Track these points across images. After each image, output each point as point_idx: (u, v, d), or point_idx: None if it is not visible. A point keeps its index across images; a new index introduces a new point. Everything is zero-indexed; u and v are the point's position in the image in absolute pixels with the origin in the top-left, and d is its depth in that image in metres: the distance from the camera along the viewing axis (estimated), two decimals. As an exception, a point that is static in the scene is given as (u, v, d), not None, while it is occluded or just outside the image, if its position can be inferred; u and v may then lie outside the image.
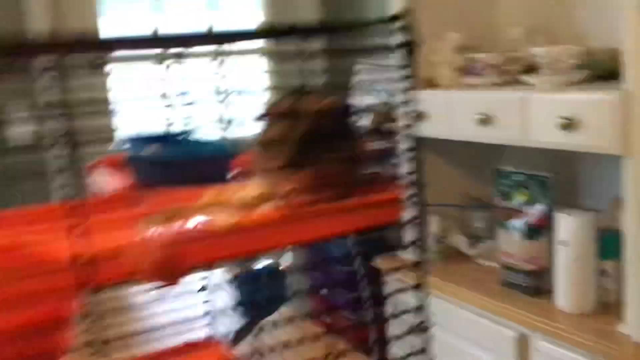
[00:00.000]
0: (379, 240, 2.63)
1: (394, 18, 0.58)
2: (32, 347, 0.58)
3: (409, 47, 0.60)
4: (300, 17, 3.48)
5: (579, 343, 1.62)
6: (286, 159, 0.68)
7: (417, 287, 0.72)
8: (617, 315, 1.62)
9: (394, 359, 0.72)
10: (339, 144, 0.70)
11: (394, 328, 0.76)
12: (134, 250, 0.51)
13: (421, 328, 0.72)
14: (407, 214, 0.72)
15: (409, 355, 0.72)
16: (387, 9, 2.29)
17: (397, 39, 1.78)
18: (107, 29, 3.12)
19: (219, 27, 0.65)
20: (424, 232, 0.69)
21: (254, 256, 0.74)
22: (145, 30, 0.60)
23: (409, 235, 2.08)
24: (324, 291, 2.02)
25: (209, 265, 0.61)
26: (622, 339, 1.57)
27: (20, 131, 2.28)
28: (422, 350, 0.73)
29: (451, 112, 1.99)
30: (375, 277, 2.42)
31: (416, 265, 0.71)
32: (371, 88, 2.19)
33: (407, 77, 0.62)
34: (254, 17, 3.48)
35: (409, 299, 0.74)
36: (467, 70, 2.13)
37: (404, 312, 0.74)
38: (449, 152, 2.28)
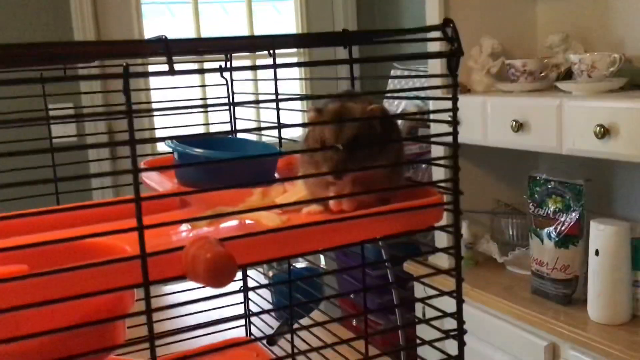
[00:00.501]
0: (409, 244, 2.63)
1: (444, 25, 0.59)
2: (85, 340, 0.59)
3: (456, 54, 0.61)
4: (337, 28, 3.50)
5: (610, 354, 1.60)
6: (333, 163, 0.68)
7: (454, 292, 0.72)
8: (651, 327, 1.61)
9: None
10: (384, 148, 0.71)
11: (424, 333, 0.77)
12: (186, 250, 0.52)
13: (456, 334, 0.73)
14: (444, 220, 0.72)
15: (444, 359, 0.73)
16: (422, 19, 2.29)
17: (435, 45, 1.77)
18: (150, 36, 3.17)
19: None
20: (460, 239, 0.69)
21: (296, 257, 0.75)
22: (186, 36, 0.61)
23: (440, 240, 2.07)
24: (354, 295, 2.03)
25: (247, 266, 0.62)
26: (655, 351, 1.55)
27: (65, 131, 2.35)
28: (457, 357, 0.73)
29: (486, 118, 1.98)
30: (405, 281, 2.42)
31: (453, 271, 0.71)
32: (405, 94, 2.19)
33: (453, 85, 0.63)
34: (291, 28, 3.50)
35: (440, 305, 0.75)
36: (502, 76, 2.12)
37: (439, 317, 0.74)
38: (481, 158, 2.27)
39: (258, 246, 0.58)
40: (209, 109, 1.00)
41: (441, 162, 0.69)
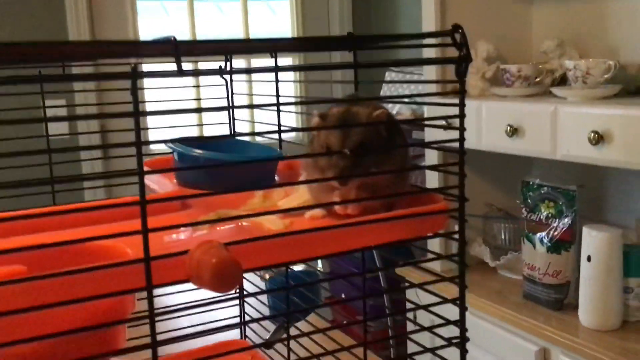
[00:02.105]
0: (400, 248, 2.63)
1: (453, 30, 0.59)
2: (85, 344, 0.59)
3: (465, 60, 0.60)
4: (332, 33, 3.49)
5: (601, 360, 1.61)
6: (339, 169, 0.68)
7: (457, 300, 0.72)
8: (642, 334, 1.61)
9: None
10: (390, 154, 0.70)
11: (419, 339, 0.76)
12: (191, 255, 0.52)
13: (459, 341, 0.72)
14: (447, 226, 0.72)
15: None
16: (418, 21, 2.29)
17: (431, 51, 1.77)
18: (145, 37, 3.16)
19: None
20: (465, 246, 0.69)
21: (299, 262, 0.75)
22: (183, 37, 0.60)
23: (433, 246, 2.07)
24: (348, 300, 2.03)
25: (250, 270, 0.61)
26: (646, 358, 1.56)
27: (57, 128, 2.32)
28: (459, 363, 0.73)
29: (480, 123, 1.99)
30: (399, 287, 2.42)
31: (456, 278, 0.71)
32: (401, 99, 2.19)
33: (460, 91, 0.62)
34: (286, 28, 3.49)
35: (436, 310, 0.75)
36: (497, 80, 2.13)
37: (442, 325, 0.74)
38: (475, 162, 2.27)
39: (262, 251, 0.57)
40: (206, 108, 0.99)
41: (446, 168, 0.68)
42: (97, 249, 0.63)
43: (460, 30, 0.61)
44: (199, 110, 0.54)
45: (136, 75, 0.46)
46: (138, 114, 0.46)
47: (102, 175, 0.49)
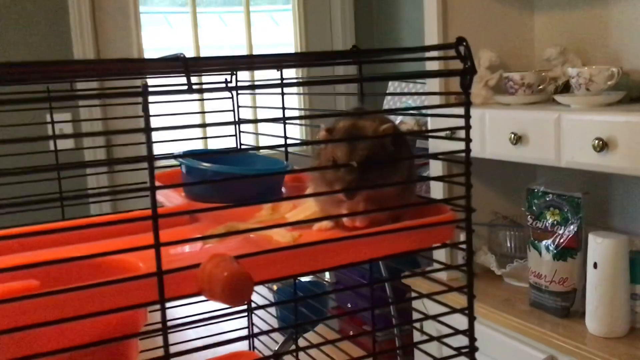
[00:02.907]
0: (407, 258, 2.63)
1: (457, 43, 0.59)
2: (100, 356, 0.59)
3: (469, 72, 0.61)
4: (335, 44, 3.51)
5: (608, 367, 1.60)
6: (345, 183, 0.68)
7: (465, 309, 0.72)
8: (650, 340, 1.61)
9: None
10: (396, 167, 0.71)
11: (426, 348, 0.77)
12: (202, 268, 0.52)
13: (468, 350, 0.73)
14: (454, 236, 0.73)
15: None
16: (420, 32, 2.30)
17: (434, 64, 1.78)
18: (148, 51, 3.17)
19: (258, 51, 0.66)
20: (473, 255, 0.69)
21: (309, 274, 0.75)
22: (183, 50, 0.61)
23: (439, 255, 2.07)
24: (356, 311, 2.03)
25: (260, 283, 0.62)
26: (654, 365, 1.56)
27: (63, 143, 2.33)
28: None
29: (484, 131, 1.99)
30: (407, 298, 2.42)
31: (465, 288, 0.71)
32: (407, 111, 2.20)
33: (466, 103, 0.63)
34: (289, 39, 3.50)
35: (443, 319, 0.75)
36: (500, 88, 2.13)
37: (451, 334, 0.74)
38: (480, 170, 2.28)
39: (272, 263, 0.58)
40: (216, 122, 1.00)
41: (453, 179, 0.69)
42: (109, 264, 0.64)
43: (464, 43, 0.62)
44: (208, 125, 0.55)
45: (147, 92, 0.47)
46: (150, 129, 0.47)
47: (114, 191, 0.49)
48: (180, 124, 0.53)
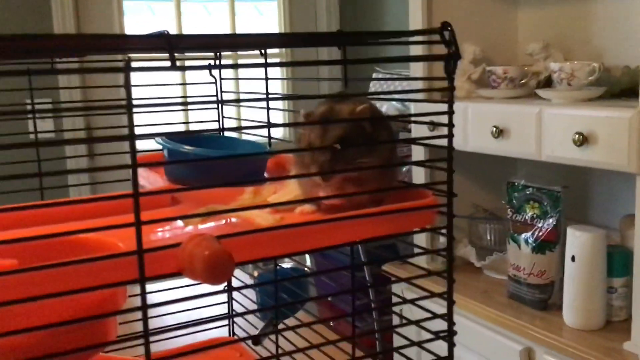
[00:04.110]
0: (387, 246, 2.64)
1: (442, 28, 0.60)
2: (77, 336, 0.59)
3: (454, 57, 0.61)
4: (320, 28, 3.50)
5: (584, 359, 1.62)
6: (322, 163, 0.69)
7: (444, 294, 0.73)
8: (625, 333, 1.63)
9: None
10: (374, 148, 0.71)
11: (406, 333, 0.77)
12: (183, 247, 0.52)
13: (446, 335, 0.73)
14: (435, 222, 0.73)
15: (434, 361, 0.73)
16: (404, 20, 2.30)
17: (418, 49, 1.78)
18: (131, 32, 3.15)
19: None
20: (453, 241, 0.69)
21: (290, 256, 0.75)
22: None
23: (419, 242, 2.08)
24: (336, 293, 2.03)
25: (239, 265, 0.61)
26: (628, 357, 1.58)
27: (42, 126, 2.31)
28: (447, 358, 0.74)
29: (466, 124, 2.00)
30: (387, 282, 2.43)
31: (444, 272, 0.72)
32: (389, 95, 2.20)
33: (449, 88, 0.63)
34: (273, 29, 3.49)
35: (421, 305, 0.75)
36: (483, 82, 2.14)
37: (429, 318, 0.75)
38: (461, 163, 2.29)
39: (253, 245, 0.58)
40: (198, 106, 1.00)
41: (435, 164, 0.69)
42: (88, 243, 0.63)
43: (449, 28, 0.62)
44: (191, 103, 0.55)
45: (129, 68, 0.47)
46: (131, 106, 0.46)
47: (96, 169, 0.49)
48: (165, 103, 0.53)
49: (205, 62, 1.07)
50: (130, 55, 0.84)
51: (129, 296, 0.67)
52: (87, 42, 0.49)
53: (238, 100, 0.85)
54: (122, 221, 0.53)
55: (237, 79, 2.88)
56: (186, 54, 1.00)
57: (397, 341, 0.86)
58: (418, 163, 0.76)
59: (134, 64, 0.50)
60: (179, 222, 0.70)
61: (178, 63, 0.51)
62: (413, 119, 1.72)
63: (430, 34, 0.62)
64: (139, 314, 0.78)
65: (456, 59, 0.61)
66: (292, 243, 0.59)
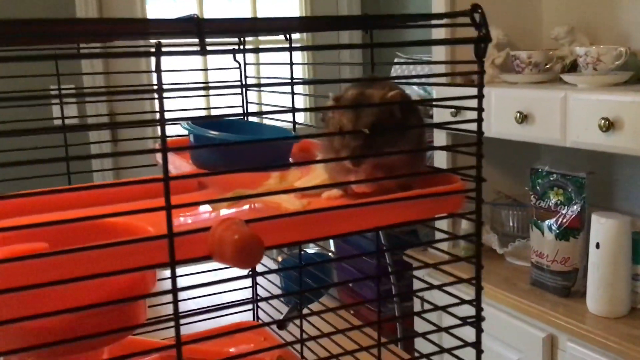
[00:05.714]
0: (408, 232, 2.64)
1: (472, 10, 0.59)
2: (107, 319, 0.59)
3: (484, 41, 0.60)
4: (341, 12, 3.48)
5: (607, 346, 1.61)
6: (354, 148, 0.68)
7: (473, 280, 0.72)
8: (650, 320, 1.62)
9: (442, 349, 0.73)
10: (405, 134, 0.71)
11: (433, 321, 0.77)
12: (213, 231, 0.52)
13: (474, 320, 0.73)
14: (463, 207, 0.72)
15: (461, 346, 0.73)
16: (427, 4, 2.28)
17: (441, 32, 1.76)
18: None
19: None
20: (482, 226, 0.69)
21: (316, 241, 0.75)
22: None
23: (443, 228, 2.07)
24: (361, 279, 2.03)
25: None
26: (653, 345, 1.56)
27: (67, 112, 2.33)
28: (475, 343, 0.73)
29: (490, 110, 1.99)
30: (409, 269, 2.42)
31: (473, 258, 0.71)
32: (417, 79, 2.19)
33: (479, 72, 0.63)
34: (294, 13, 3.47)
35: (444, 293, 0.75)
36: (507, 67, 2.12)
37: (457, 304, 0.74)
38: (484, 149, 2.26)
39: (281, 229, 0.57)
40: (222, 91, 1.00)
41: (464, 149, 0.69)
42: (117, 228, 0.63)
43: (479, 10, 0.61)
44: (218, 87, 0.54)
45: (160, 52, 0.47)
46: (162, 90, 0.46)
47: (125, 153, 0.49)
48: (193, 87, 0.53)
49: (228, 48, 1.06)
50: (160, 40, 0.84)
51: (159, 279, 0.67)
52: (115, 26, 0.49)
53: (263, 85, 0.84)
54: (150, 205, 0.53)
55: (260, 64, 2.88)
56: (210, 39, 1.00)
57: (420, 326, 0.86)
58: (446, 148, 0.75)
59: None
60: (206, 207, 0.70)
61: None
62: (442, 103, 1.70)
63: (460, 16, 0.61)
64: (163, 299, 0.79)
65: (487, 43, 0.60)
66: (320, 228, 0.59)
